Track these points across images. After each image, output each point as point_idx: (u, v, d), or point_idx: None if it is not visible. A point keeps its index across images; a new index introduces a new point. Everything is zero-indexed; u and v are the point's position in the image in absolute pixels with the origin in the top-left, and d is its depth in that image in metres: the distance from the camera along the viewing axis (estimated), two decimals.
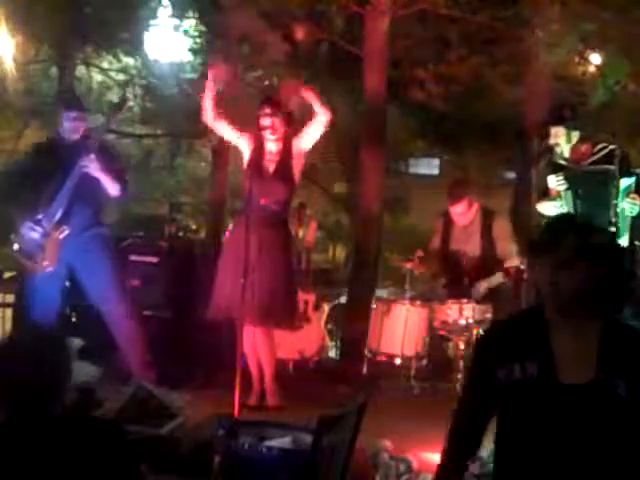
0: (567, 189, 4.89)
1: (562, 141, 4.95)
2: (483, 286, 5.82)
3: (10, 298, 6.31)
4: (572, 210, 4.83)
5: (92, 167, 5.00)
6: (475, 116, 10.04)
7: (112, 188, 5.11)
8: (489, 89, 8.76)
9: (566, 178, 4.89)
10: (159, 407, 4.15)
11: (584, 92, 7.09)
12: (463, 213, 5.95)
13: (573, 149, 4.97)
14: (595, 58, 7.02)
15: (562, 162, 4.97)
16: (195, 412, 4.30)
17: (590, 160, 4.92)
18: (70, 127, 5.14)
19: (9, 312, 6.35)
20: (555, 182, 4.93)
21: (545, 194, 5.03)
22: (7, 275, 6.73)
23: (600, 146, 4.97)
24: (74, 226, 5.04)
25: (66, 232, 5.01)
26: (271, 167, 5.01)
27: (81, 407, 3.98)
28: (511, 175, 9.95)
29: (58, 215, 5.00)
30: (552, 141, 4.95)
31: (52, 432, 2.23)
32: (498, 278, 5.88)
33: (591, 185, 4.71)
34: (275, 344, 5.13)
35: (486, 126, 10.23)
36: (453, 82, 8.27)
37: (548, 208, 4.98)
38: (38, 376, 2.26)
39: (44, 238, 5.01)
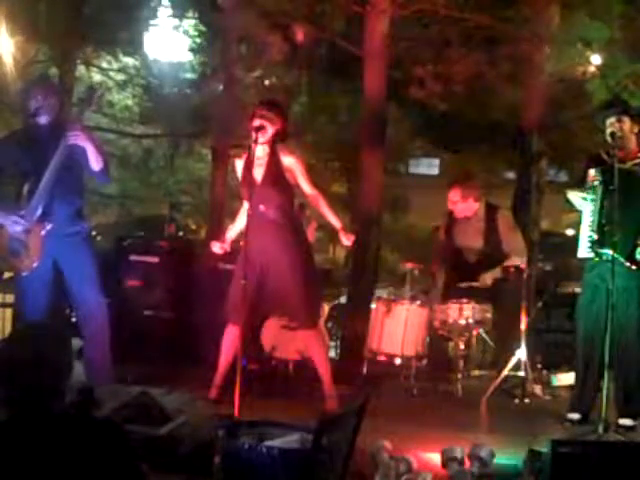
0: (600, 183, 4.81)
1: (626, 128, 4.83)
2: (489, 276, 6.03)
3: (10, 298, 6.29)
4: (598, 204, 4.78)
5: (80, 138, 4.75)
6: (475, 116, 10.04)
7: (96, 161, 4.86)
8: (489, 89, 8.75)
9: (603, 172, 4.81)
10: (160, 409, 4.14)
11: (584, 92, 7.08)
12: (457, 202, 6.20)
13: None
14: (595, 58, 7.01)
15: (604, 156, 4.87)
16: (195, 412, 4.29)
17: (636, 161, 4.87)
18: (39, 107, 4.83)
19: (9, 312, 6.35)
20: (592, 174, 4.85)
21: (582, 182, 4.94)
22: (7, 275, 6.72)
23: None
24: (56, 221, 4.85)
25: (48, 227, 4.84)
26: (259, 172, 4.92)
27: (81, 407, 3.97)
28: (511, 175, 9.95)
29: (39, 210, 4.82)
30: (613, 129, 4.80)
31: (52, 432, 2.23)
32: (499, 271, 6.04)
33: (624, 183, 4.63)
34: (325, 347, 5.12)
35: (486, 126, 10.23)
36: (453, 82, 8.25)
37: (575, 198, 4.94)
38: (39, 375, 2.26)
39: (26, 234, 4.84)
